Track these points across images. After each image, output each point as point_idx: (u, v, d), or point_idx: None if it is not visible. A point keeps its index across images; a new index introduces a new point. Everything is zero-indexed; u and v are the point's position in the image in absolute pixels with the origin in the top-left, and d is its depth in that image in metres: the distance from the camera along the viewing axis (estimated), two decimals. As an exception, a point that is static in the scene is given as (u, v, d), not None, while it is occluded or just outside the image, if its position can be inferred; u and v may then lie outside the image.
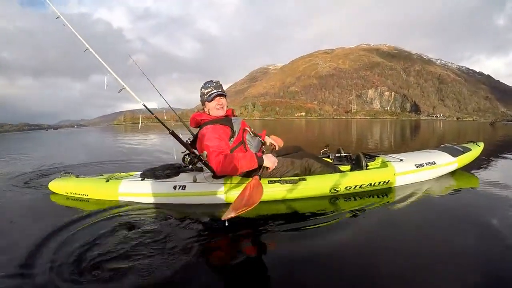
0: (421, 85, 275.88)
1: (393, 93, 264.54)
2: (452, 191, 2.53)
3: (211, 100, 2.11)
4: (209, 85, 2.14)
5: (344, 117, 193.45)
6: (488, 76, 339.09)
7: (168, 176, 2.26)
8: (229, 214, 1.36)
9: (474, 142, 3.42)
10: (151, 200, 2.19)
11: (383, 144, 7.29)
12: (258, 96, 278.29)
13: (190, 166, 2.13)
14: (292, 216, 1.94)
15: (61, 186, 2.50)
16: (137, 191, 2.24)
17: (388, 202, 2.18)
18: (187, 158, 2.11)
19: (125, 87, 1.98)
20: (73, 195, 2.43)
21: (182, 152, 2.16)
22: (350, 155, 2.84)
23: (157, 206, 2.14)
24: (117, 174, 2.60)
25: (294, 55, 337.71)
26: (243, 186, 1.94)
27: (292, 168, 2.22)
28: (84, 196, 2.37)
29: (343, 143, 7.73)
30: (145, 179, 2.28)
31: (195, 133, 2.30)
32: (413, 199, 2.24)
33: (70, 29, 2.03)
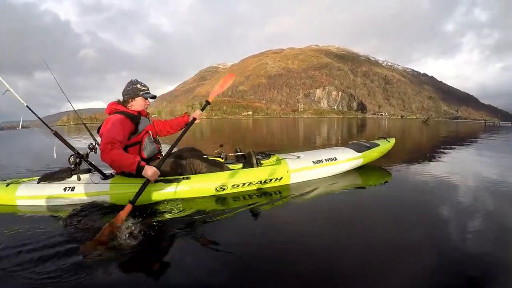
0: (368, 85, 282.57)
1: (340, 92, 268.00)
2: (353, 186, 2.59)
3: (147, 98, 2.27)
4: (143, 84, 2.28)
5: (291, 115, 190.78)
6: (432, 77, 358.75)
7: (62, 178, 2.29)
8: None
9: (384, 138, 3.61)
10: (44, 202, 2.23)
11: (330, 140, 7.65)
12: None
13: (73, 166, 2.22)
14: (176, 217, 1.89)
15: None
16: (32, 194, 2.27)
17: (276, 199, 2.21)
18: (72, 159, 2.19)
19: (10, 89, 2.06)
20: None
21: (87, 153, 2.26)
22: (242, 153, 2.85)
23: (49, 208, 2.19)
24: (20, 179, 2.56)
25: (247, 55, 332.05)
26: (129, 186, 2.11)
27: (176, 168, 2.26)
28: None
29: (291, 141, 7.73)
30: (41, 182, 2.31)
31: None
32: (303, 195, 2.31)
33: None
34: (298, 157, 2.70)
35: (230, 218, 1.86)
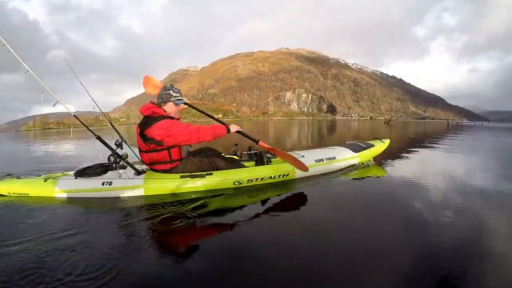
0: (337, 87, 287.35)
1: (310, 95, 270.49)
2: (348, 181, 2.95)
3: (178, 105, 2.52)
4: (176, 90, 2.51)
5: (261, 118, 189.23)
6: (400, 79, 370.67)
7: (98, 174, 2.54)
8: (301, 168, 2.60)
9: (379, 139, 3.93)
10: (83, 195, 2.50)
11: (300, 142, 7.82)
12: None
13: (114, 165, 2.52)
14: (201, 208, 2.17)
15: (3, 187, 2.61)
16: (72, 188, 2.51)
17: (284, 192, 2.58)
18: (112, 158, 2.49)
19: (59, 101, 2.36)
20: (15, 195, 2.57)
21: (118, 154, 2.54)
22: (253, 152, 3.24)
23: (88, 200, 2.43)
24: (54, 174, 2.76)
25: (219, 58, 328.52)
26: (160, 180, 2.44)
27: (201, 165, 2.58)
28: (25, 196, 2.54)
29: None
30: (78, 177, 2.54)
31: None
32: (306, 189, 2.68)
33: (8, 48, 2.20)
34: (302, 156, 3.01)
35: (245, 208, 2.19)
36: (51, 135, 18.89)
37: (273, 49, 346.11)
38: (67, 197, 2.50)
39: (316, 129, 17.00)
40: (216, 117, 3.22)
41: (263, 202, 2.31)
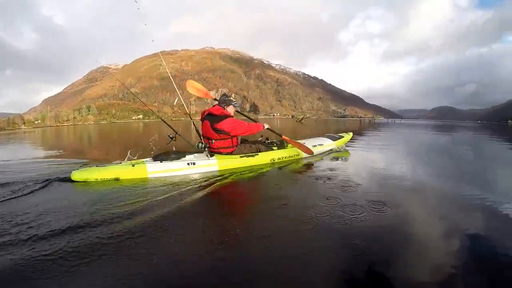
0: (260, 87, 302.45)
1: (233, 94, 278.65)
2: (330, 160, 4.66)
3: (235, 106, 4.08)
4: (232, 97, 4.10)
5: (183, 118, 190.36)
6: (322, 80, 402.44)
7: (179, 158, 3.53)
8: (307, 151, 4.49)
9: (346, 132, 5.99)
10: (173, 174, 3.36)
11: None
12: (96, 98, 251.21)
13: (206, 149, 3.73)
14: (251, 175, 3.48)
15: (87, 175, 3.07)
16: (162, 169, 3.34)
17: (300, 164, 4.26)
18: (201, 145, 3.75)
19: (191, 118, 4.50)
20: (103, 181, 3.07)
21: (201, 142, 3.83)
22: (274, 141, 4.64)
23: (179, 177, 3.27)
24: (134, 161, 3.52)
25: (143, 55, 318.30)
26: (227, 160, 3.80)
27: (250, 149, 4.05)
28: (115, 180, 3.08)
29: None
30: (163, 161, 3.45)
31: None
32: (309, 161, 4.43)
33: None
34: (304, 143, 4.56)
35: (277, 174, 3.58)
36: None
37: (197, 47, 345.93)
38: (159, 177, 3.20)
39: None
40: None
41: (287, 170, 3.84)
